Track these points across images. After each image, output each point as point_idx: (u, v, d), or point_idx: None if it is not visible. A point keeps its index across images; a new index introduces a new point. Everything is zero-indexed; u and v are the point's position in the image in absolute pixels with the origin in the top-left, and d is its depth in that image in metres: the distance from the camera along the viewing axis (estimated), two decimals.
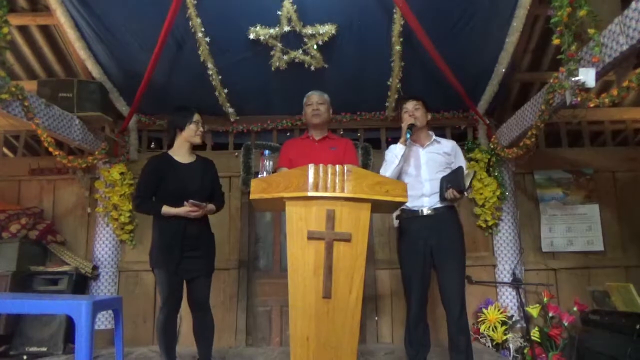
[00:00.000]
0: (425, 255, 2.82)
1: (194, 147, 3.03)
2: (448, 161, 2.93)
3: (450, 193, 2.73)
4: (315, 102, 3.14)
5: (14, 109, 3.15)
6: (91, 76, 4.04)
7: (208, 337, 2.97)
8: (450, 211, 2.89)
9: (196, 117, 2.94)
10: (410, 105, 2.96)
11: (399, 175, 2.90)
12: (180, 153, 2.95)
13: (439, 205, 2.84)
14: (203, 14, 3.50)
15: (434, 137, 3.00)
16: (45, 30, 4.15)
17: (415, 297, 2.84)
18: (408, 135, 2.81)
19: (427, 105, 3.02)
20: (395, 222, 4.27)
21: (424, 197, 2.86)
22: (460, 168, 2.76)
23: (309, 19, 3.55)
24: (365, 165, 4.37)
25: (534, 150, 3.71)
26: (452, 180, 2.75)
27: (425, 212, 2.85)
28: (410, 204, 2.85)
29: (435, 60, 3.59)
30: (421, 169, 2.92)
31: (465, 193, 2.73)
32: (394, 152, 2.87)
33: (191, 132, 2.92)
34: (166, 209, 2.79)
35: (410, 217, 2.90)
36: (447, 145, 3.00)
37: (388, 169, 2.87)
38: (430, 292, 2.89)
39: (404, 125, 2.86)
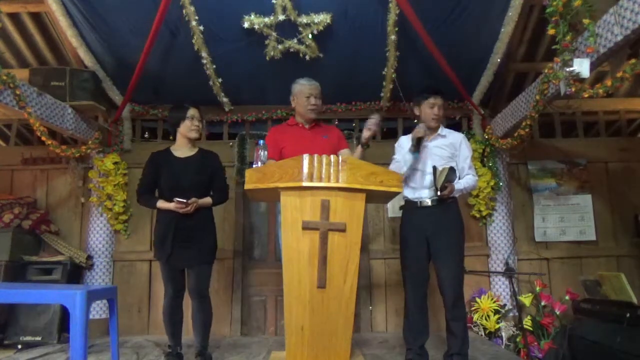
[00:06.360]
0: (422, 246, 2.83)
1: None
2: (452, 154, 2.91)
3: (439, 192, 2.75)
4: (314, 97, 3.00)
5: (5, 97, 3.12)
6: (84, 64, 3.99)
7: (203, 326, 2.97)
8: (450, 203, 2.88)
9: (190, 112, 2.99)
10: (437, 101, 2.90)
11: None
12: (180, 148, 3.05)
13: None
14: (197, 2, 3.46)
15: (439, 130, 2.97)
16: (36, 17, 4.08)
17: (413, 287, 2.86)
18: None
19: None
20: (390, 212, 4.33)
21: (424, 189, 2.88)
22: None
23: (304, 8, 3.52)
24: None
25: (528, 141, 3.72)
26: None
27: (424, 203, 2.87)
28: (412, 195, 2.91)
29: (430, 50, 3.58)
30: (425, 162, 2.90)
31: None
32: (405, 157, 2.92)
33: (186, 128, 3.00)
34: (160, 204, 2.91)
35: (411, 208, 2.93)
36: (453, 137, 2.98)
37: (396, 170, 2.83)
38: (430, 281, 2.90)
39: (413, 136, 2.81)
